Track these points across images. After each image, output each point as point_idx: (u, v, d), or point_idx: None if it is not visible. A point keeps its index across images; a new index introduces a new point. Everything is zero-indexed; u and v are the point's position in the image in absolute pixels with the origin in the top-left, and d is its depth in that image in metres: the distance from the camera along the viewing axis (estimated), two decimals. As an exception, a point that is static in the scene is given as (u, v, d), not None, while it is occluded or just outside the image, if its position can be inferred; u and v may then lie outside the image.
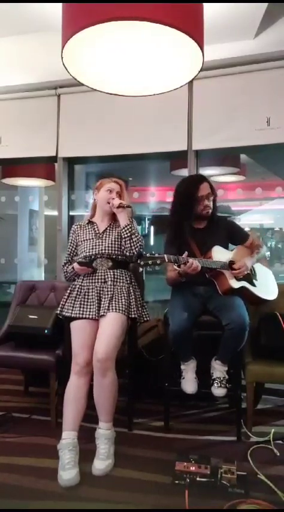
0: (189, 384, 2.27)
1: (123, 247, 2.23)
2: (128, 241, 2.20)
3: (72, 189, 3.72)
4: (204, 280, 2.33)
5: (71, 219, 3.63)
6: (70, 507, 1.71)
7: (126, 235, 2.21)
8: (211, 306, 2.34)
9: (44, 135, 3.49)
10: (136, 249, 2.20)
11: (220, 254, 2.36)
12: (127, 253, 2.21)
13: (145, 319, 2.31)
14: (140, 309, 2.27)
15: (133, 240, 2.20)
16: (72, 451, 1.93)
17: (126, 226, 2.22)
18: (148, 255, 2.05)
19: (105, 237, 2.27)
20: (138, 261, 2.09)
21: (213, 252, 2.34)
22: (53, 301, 2.88)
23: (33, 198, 5.29)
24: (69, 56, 1.73)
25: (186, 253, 2.18)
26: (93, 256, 2.23)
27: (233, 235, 2.53)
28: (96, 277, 2.21)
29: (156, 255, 2.06)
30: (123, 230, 2.22)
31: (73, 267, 2.26)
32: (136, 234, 2.22)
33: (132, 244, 2.20)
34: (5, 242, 5.03)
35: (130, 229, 2.21)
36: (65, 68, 1.79)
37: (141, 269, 2.17)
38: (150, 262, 2.04)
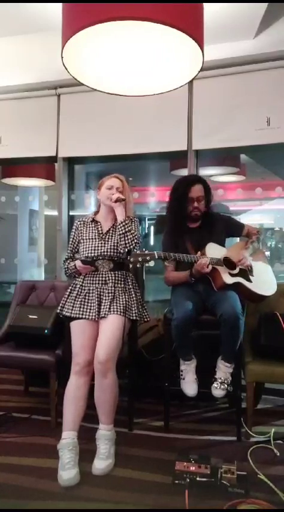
0: (190, 385, 2.27)
1: (118, 244, 2.21)
2: (123, 238, 2.18)
3: (72, 189, 3.71)
4: (202, 279, 2.34)
5: (71, 219, 3.63)
6: (70, 507, 1.71)
7: (121, 232, 2.18)
8: (209, 303, 2.35)
9: (44, 135, 3.49)
10: (131, 246, 2.17)
11: (213, 251, 2.37)
12: (121, 250, 2.19)
13: (145, 320, 2.31)
14: (140, 310, 2.27)
15: (128, 237, 2.17)
16: (72, 451, 1.93)
17: (122, 222, 2.19)
18: (138, 252, 2.09)
19: (108, 238, 2.25)
20: (128, 258, 2.11)
21: (206, 249, 2.35)
22: (53, 301, 2.88)
23: (33, 198, 5.28)
24: (69, 56, 1.73)
25: (199, 254, 2.22)
26: (94, 258, 2.22)
27: (229, 229, 2.57)
28: (97, 278, 2.21)
29: (146, 252, 2.10)
30: (119, 226, 2.19)
31: (75, 265, 2.25)
32: (132, 231, 2.19)
33: (126, 241, 2.17)
34: (5, 242, 5.03)
35: (125, 226, 2.19)
36: (65, 68, 1.79)
37: (131, 265, 2.15)
38: (140, 259, 2.07)
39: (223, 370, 2.25)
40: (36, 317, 2.57)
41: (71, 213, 3.67)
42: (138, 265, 2.10)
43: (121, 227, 2.19)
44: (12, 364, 2.63)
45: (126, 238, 2.17)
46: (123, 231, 2.18)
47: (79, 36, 1.60)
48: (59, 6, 1.77)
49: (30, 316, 2.59)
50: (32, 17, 2.46)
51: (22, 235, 5.29)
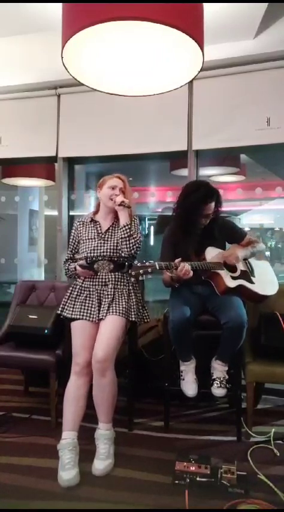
0: (189, 386, 2.27)
1: (119, 247, 2.21)
2: (125, 242, 2.18)
3: (72, 189, 3.72)
4: (201, 281, 2.34)
5: (71, 219, 3.63)
6: (70, 507, 1.71)
7: (123, 236, 2.18)
8: (210, 305, 2.35)
9: (44, 135, 3.49)
10: (132, 251, 2.18)
11: (213, 255, 2.36)
12: (123, 254, 2.19)
13: (145, 321, 2.31)
14: (141, 311, 2.27)
15: (130, 241, 2.18)
16: (72, 451, 1.93)
17: (124, 226, 2.19)
18: (138, 264, 2.01)
19: (108, 238, 2.25)
20: (129, 272, 2.04)
21: (206, 253, 2.35)
22: (53, 301, 2.88)
23: (33, 198, 5.29)
24: (69, 56, 1.73)
25: (179, 260, 2.14)
26: (94, 258, 2.22)
27: (230, 235, 2.53)
28: (97, 280, 2.20)
29: (147, 263, 2.02)
30: (122, 229, 2.20)
31: (75, 267, 2.24)
32: (135, 236, 2.19)
33: (128, 246, 2.18)
34: (5, 242, 5.03)
35: (128, 230, 2.19)
36: (65, 68, 1.79)
37: (132, 279, 2.15)
38: (141, 271, 1.99)
39: (220, 369, 2.26)
40: (36, 317, 2.58)
41: (71, 213, 3.68)
42: (139, 278, 2.02)
43: (124, 231, 2.18)
44: (12, 364, 2.63)
45: (128, 243, 2.17)
46: (126, 235, 2.18)
47: (79, 36, 1.60)
48: (59, 6, 1.77)
49: (30, 316, 2.59)
50: (32, 17, 2.46)
51: (22, 235, 5.30)
